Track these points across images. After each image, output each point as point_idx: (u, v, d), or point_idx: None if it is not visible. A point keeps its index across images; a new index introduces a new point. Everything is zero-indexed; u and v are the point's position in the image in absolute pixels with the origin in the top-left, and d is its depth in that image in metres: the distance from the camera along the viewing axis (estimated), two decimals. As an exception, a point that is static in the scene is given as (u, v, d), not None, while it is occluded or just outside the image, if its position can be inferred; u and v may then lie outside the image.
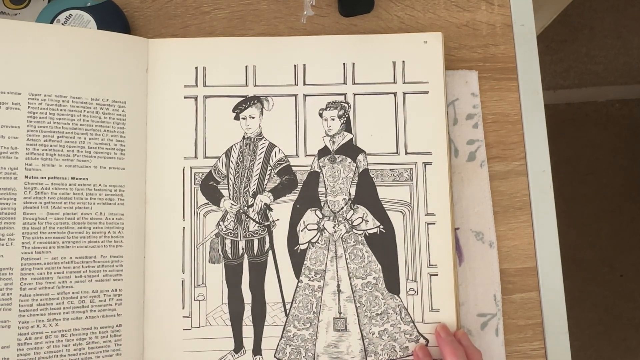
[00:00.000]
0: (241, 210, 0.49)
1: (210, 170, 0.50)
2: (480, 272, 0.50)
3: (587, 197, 1.54)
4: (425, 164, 0.50)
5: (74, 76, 0.48)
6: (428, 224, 0.49)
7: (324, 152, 0.50)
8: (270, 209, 0.49)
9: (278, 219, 0.49)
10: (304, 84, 0.51)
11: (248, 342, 0.48)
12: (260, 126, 0.50)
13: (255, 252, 0.49)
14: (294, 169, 0.50)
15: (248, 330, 0.48)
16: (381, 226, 0.49)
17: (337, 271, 0.49)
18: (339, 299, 0.48)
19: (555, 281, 0.51)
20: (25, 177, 0.46)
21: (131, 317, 0.47)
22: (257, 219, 0.49)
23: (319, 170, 0.50)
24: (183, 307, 0.48)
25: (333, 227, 0.49)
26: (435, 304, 0.48)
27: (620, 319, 1.50)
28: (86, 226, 0.46)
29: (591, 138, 1.58)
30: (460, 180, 0.52)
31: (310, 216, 0.49)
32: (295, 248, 0.49)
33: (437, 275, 0.49)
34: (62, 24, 0.51)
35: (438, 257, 0.49)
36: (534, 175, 0.52)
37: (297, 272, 0.48)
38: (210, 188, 0.49)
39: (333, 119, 0.50)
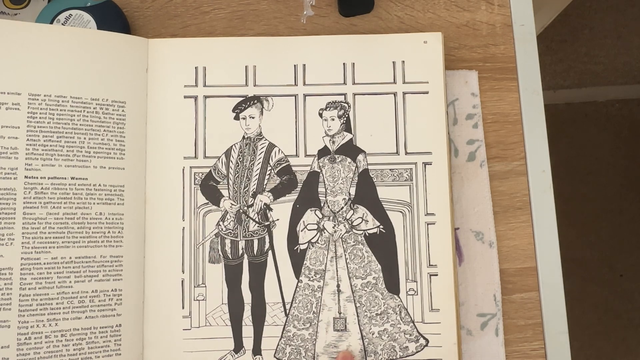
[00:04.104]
0: (241, 210, 0.49)
1: (210, 170, 0.50)
2: (480, 272, 0.50)
3: (587, 197, 1.55)
4: (425, 164, 0.50)
5: (74, 76, 0.48)
6: (428, 224, 0.49)
7: (323, 152, 0.50)
8: (270, 209, 0.49)
9: (278, 219, 0.49)
10: (304, 84, 0.51)
11: (248, 342, 0.48)
12: (260, 126, 0.50)
13: (255, 252, 0.49)
14: (293, 169, 0.50)
15: (248, 330, 0.48)
16: (381, 226, 0.49)
17: (337, 271, 0.49)
18: (338, 299, 0.48)
19: (555, 281, 0.51)
20: (25, 177, 0.46)
21: (131, 317, 0.47)
22: (257, 219, 0.49)
23: (319, 170, 0.50)
24: (183, 307, 0.48)
25: (333, 227, 0.49)
26: (435, 304, 0.48)
27: (620, 319, 1.50)
28: (86, 226, 0.46)
29: (591, 138, 1.58)
30: (460, 180, 0.52)
31: (310, 216, 0.49)
32: (295, 248, 0.49)
33: (437, 275, 0.49)
34: (62, 24, 0.51)
35: (438, 257, 0.49)
36: (534, 175, 0.52)
37: (297, 272, 0.48)
38: (210, 188, 0.49)
39: (333, 119, 0.50)
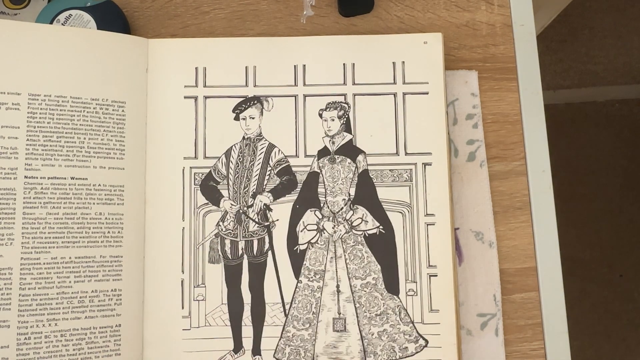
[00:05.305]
0: (241, 211, 0.49)
1: (210, 171, 0.50)
2: (480, 272, 0.50)
3: (587, 197, 1.54)
4: (425, 164, 0.50)
5: (74, 76, 0.48)
6: (428, 225, 0.49)
7: (323, 152, 0.50)
8: (270, 210, 0.49)
9: (278, 220, 0.49)
10: (304, 84, 0.51)
11: (247, 342, 0.48)
12: (260, 126, 0.50)
13: (254, 252, 0.49)
14: (293, 169, 0.50)
15: (247, 331, 0.48)
16: (381, 227, 0.49)
17: (336, 271, 0.49)
18: (338, 300, 0.48)
19: (555, 281, 0.51)
20: (25, 177, 0.46)
21: (130, 317, 0.47)
22: (256, 219, 0.49)
23: (319, 171, 0.50)
24: (182, 307, 0.48)
25: (332, 228, 0.49)
26: (434, 305, 0.48)
27: (620, 319, 1.50)
28: (86, 226, 0.46)
29: (591, 138, 1.58)
30: (460, 180, 0.52)
31: (309, 216, 0.49)
32: (295, 248, 0.49)
33: (436, 275, 0.49)
34: (62, 24, 0.51)
35: (438, 257, 0.49)
36: (534, 175, 0.52)
37: (297, 273, 0.48)
38: (210, 188, 0.49)
39: (333, 120, 0.50)
